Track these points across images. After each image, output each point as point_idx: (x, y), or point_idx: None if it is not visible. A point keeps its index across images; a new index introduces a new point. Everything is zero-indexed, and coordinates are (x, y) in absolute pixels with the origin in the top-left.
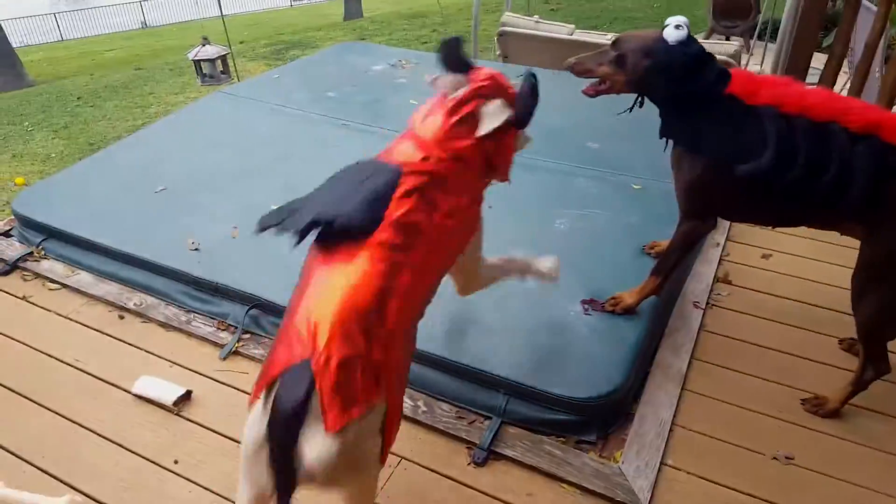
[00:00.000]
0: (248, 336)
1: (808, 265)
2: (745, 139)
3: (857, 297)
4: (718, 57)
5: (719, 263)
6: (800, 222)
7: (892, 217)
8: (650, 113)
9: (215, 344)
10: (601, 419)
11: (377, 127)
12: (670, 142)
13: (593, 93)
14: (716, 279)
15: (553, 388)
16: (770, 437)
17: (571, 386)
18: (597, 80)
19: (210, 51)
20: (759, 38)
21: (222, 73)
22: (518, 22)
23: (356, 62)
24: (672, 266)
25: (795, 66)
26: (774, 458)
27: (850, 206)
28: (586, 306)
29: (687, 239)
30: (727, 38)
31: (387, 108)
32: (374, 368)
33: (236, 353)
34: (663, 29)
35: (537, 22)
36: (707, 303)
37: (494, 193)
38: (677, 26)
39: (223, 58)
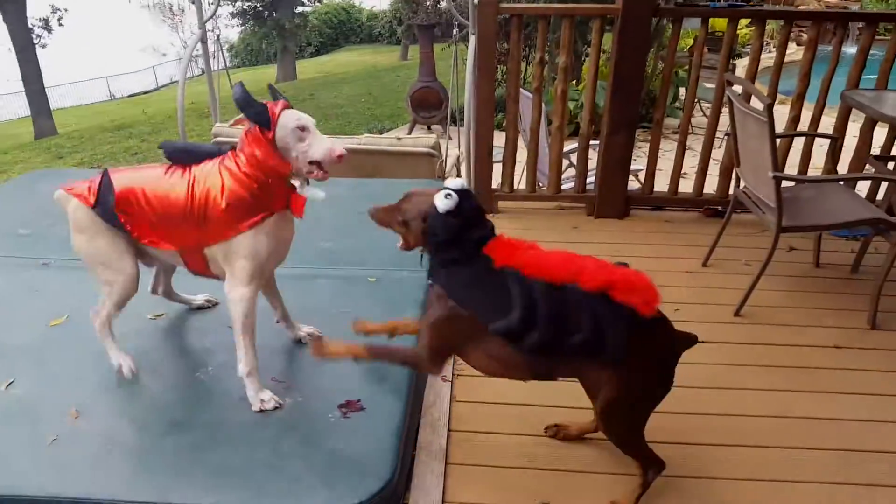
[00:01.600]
0: None
1: None
2: (488, 297)
3: (607, 427)
4: (423, 148)
5: None
6: (547, 376)
7: (636, 363)
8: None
9: None
10: None
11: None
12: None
13: (405, 249)
14: None
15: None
16: (528, 487)
17: (343, 494)
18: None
19: None
20: (453, 123)
21: None
22: (231, 132)
23: (50, 191)
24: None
25: (483, 144)
26: None
27: (609, 357)
28: (344, 409)
29: (414, 367)
30: (428, 128)
31: None
32: None
33: None
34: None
35: None
36: (453, 374)
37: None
38: (447, 195)
39: None
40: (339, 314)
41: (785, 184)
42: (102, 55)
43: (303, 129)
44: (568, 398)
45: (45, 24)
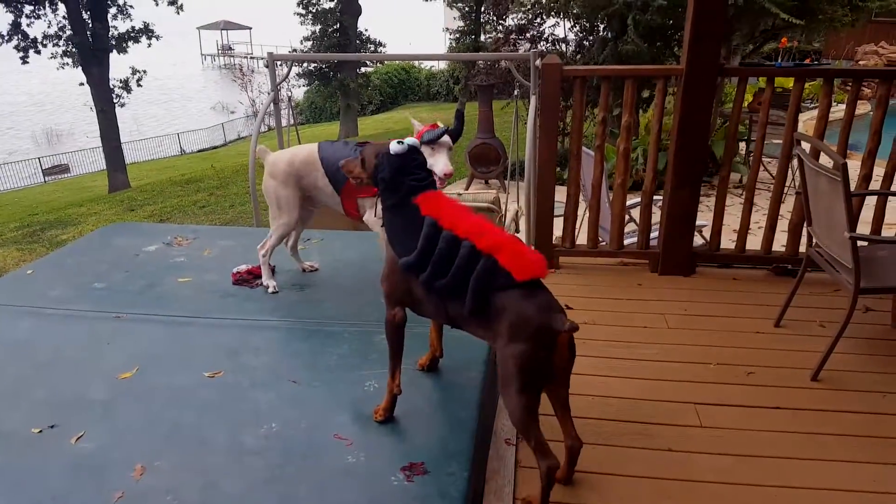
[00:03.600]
0: None
1: (593, 382)
2: (410, 240)
3: (504, 401)
4: (481, 204)
5: None
6: (453, 324)
7: (499, 330)
8: None
9: None
10: None
11: (156, 314)
12: None
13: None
14: None
15: None
16: None
17: None
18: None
19: None
20: (511, 178)
21: None
22: None
23: (125, 245)
24: (390, 357)
25: (545, 200)
26: None
27: (466, 311)
28: (407, 472)
29: (387, 327)
30: (486, 182)
31: (165, 292)
32: None
33: None
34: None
35: None
36: (517, 437)
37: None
38: (399, 142)
39: None
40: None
41: (859, 243)
42: (175, 113)
43: (433, 147)
44: (632, 467)
45: (125, 85)
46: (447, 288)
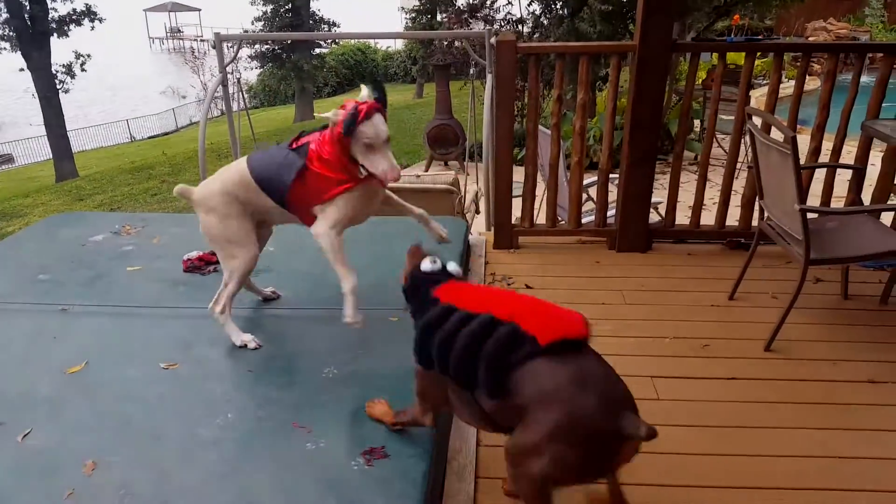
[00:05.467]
0: None
1: None
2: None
3: (513, 479)
4: (442, 185)
5: None
6: (496, 427)
7: (539, 402)
8: (393, 246)
9: None
10: None
11: (104, 305)
12: None
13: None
14: None
15: None
16: None
17: None
18: None
19: None
20: (471, 159)
21: None
22: None
23: (71, 235)
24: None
25: (503, 180)
26: None
27: (485, 391)
28: (368, 457)
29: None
30: (445, 164)
31: (113, 282)
32: None
33: None
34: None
35: None
36: None
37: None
38: (433, 261)
39: None
40: (360, 355)
41: (809, 215)
42: (123, 98)
43: (368, 146)
44: None
45: (69, 70)
46: (458, 364)
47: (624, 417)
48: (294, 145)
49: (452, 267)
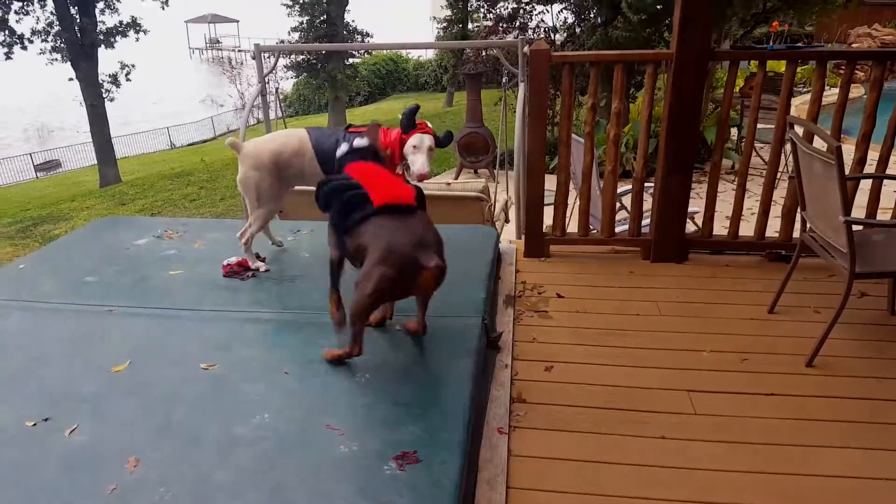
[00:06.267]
0: None
1: (585, 370)
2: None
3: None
4: (472, 193)
5: (512, 384)
6: (353, 259)
7: (371, 241)
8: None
9: None
10: None
11: (147, 307)
12: None
13: None
14: (512, 400)
15: None
16: None
17: None
18: None
19: None
20: (501, 167)
21: None
22: None
23: (115, 239)
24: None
25: (534, 188)
26: None
27: (341, 230)
28: (399, 461)
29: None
30: (475, 172)
31: (156, 285)
32: None
33: None
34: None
35: None
36: (510, 426)
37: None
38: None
39: None
40: (393, 360)
41: (854, 227)
42: (164, 106)
43: (415, 147)
44: (625, 455)
45: (114, 80)
46: (334, 214)
47: (424, 253)
48: (350, 130)
49: (358, 142)
